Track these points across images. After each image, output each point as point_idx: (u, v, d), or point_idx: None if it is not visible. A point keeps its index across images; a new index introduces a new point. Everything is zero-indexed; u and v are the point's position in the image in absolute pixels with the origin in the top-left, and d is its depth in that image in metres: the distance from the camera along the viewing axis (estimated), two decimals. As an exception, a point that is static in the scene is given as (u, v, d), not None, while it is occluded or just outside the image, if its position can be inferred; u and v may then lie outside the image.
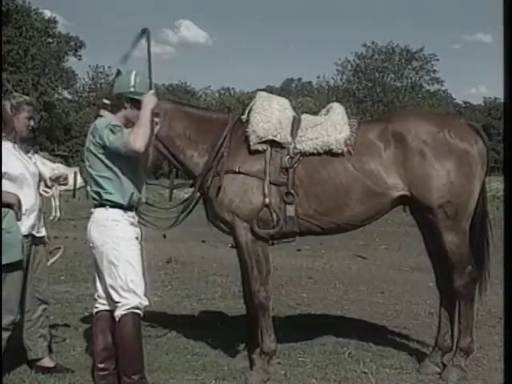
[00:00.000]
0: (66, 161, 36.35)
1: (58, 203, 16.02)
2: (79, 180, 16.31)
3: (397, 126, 3.88)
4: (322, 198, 3.85)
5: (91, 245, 3.53)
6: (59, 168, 16.81)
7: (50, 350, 4.15)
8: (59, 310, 5.69)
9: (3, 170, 3.60)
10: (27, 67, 43.84)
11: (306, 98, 52.40)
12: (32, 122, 3.88)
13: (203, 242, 10.64)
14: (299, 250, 9.80)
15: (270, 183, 3.82)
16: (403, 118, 4.08)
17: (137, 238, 3.55)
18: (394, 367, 4.14)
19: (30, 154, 3.99)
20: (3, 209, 3.52)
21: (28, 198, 3.72)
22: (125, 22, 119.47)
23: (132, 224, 3.54)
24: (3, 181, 3.62)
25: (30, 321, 3.90)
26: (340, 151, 3.83)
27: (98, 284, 3.60)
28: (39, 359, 3.96)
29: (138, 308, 3.42)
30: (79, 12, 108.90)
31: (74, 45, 50.19)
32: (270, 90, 43.71)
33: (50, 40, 48.61)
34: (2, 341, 3.61)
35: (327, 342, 4.69)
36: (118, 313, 3.42)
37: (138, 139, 3.28)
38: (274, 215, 3.81)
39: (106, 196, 3.47)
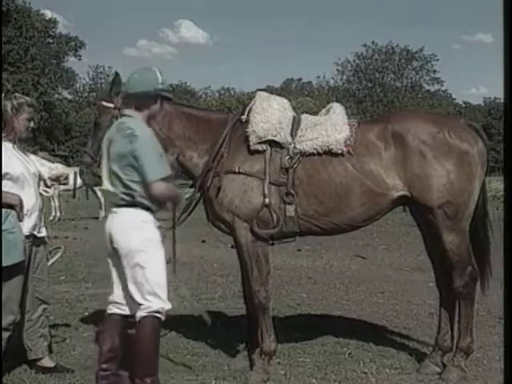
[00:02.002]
0: (66, 161, 36.34)
1: (57, 203, 16.03)
2: (79, 180, 16.32)
3: (396, 126, 3.88)
4: (322, 198, 3.85)
5: (114, 245, 3.44)
6: (58, 168, 16.82)
7: (50, 350, 4.16)
8: (59, 310, 5.70)
9: (5, 171, 3.61)
10: (27, 67, 43.86)
11: (305, 98, 52.36)
12: (32, 124, 3.88)
13: (203, 241, 10.63)
14: (299, 250, 9.80)
15: (270, 183, 3.82)
16: (403, 118, 4.08)
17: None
18: (394, 367, 4.14)
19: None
20: (5, 209, 3.52)
21: (29, 199, 3.72)
22: (125, 22, 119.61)
23: (157, 226, 3.52)
24: (5, 181, 3.62)
25: (31, 321, 3.90)
26: (340, 151, 3.83)
27: (117, 286, 3.54)
28: (39, 359, 3.96)
29: (159, 312, 3.40)
30: (79, 12, 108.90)
31: (73, 45, 50.21)
32: (270, 90, 43.68)
33: (50, 40, 48.63)
34: (2, 341, 3.62)
35: (327, 342, 4.69)
36: (139, 314, 3.39)
37: (165, 195, 3.41)
38: (274, 215, 3.81)
39: (138, 198, 3.40)
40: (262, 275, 3.87)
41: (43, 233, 3.93)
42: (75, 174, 16.18)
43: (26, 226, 3.68)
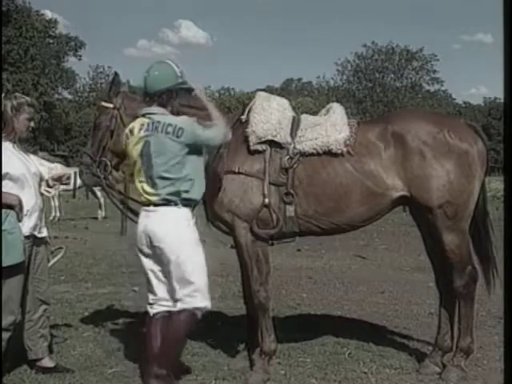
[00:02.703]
0: (66, 161, 36.36)
1: (57, 203, 16.02)
2: (79, 180, 16.32)
3: (396, 127, 3.88)
4: (322, 199, 3.85)
5: (156, 244, 3.42)
6: (57, 168, 16.80)
7: (51, 351, 4.16)
8: (59, 310, 5.70)
9: (5, 171, 3.60)
10: (27, 67, 43.86)
11: (305, 98, 52.38)
12: (32, 123, 3.87)
13: (204, 241, 10.62)
14: (299, 250, 9.80)
15: (270, 183, 3.82)
16: (403, 118, 4.07)
17: None
18: (394, 367, 4.13)
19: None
20: (4, 210, 3.52)
21: (29, 199, 3.71)
22: (125, 22, 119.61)
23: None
24: (5, 181, 3.62)
25: (31, 321, 3.90)
26: (340, 151, 3.83)
27: (157, 285, 3.53)
28: (39, 359, 3.96)
29: (199, 310, 3.44)
30: (79, 12, 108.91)
31: (73, 45, 50.23)
32: (270, 90, 43.74)
33: (50, 40, 48.63)
34: (2, 341, 3.62)
35: (327, 342, 4.69)
36: (180, 306, 3.42)
37: (226, 129, 3.57)
38: (274, 215, 3.81)
39: (184, 195, 3.43)
40: (261, 275, 3.87)
41: (44, 233, 3.92)
42: (75, 174, 16.24)
43: (26, 226, 3.68)
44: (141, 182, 3.49)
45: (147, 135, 3.45)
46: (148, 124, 3.47)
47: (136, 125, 3.54)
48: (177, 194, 3.43)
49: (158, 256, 3.47)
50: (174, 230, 3.43)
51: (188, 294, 3.42)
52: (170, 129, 3.40)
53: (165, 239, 3.41)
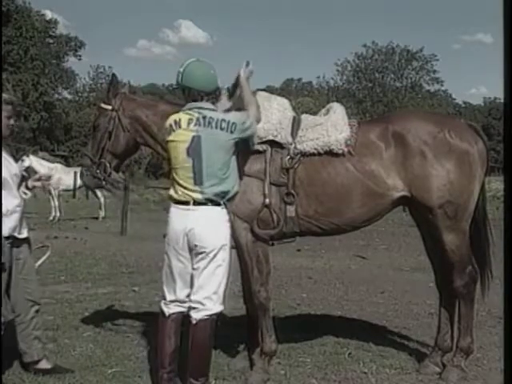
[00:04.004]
0: (66, 161, 36.36)
1: (57, 203, 16.02)
2: (79, 180, 16.32)
3: (397, 127, 3.88)
4: (323, 199, 3.85)
5: (196, 243, 3.38)
6: (57, 168, 16.83)
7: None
8: (59, 310, 5.70)
9: None
10: (27, 67, 43.82)
11: (305, 98, 52.35)
12: (12, 121, 3.79)
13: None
14: (299, 250, 9.80)
15: (271, 183, 3.81)
16: (403, 118, 4.08)
17: None
18: (394, 367, 4.14)
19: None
20: None
21: (9, 199, 3.64)
22: (125, 22, 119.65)
23: None
24: None
25: (23, 323, 3.84)
26: (340, 151, 3.83)
27: (182, 286, 3.51)
28: (36, 362, 3.92)
29: (217, 315, 3.45)
30: (79, 12, 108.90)
31: (73, 45, 50.20)
32: (270, 90, 43.59)
33: (50, 40, 48.61)
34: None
35: (327, 342, 4.69)
36: (198, 316, 3.40)
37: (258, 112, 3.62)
38: (275, 216, 3.81)
39: (227, 196, 3.44)
40: (262, 275, 3.87)
41: (25, 234, 3.81)
42: (75, 174, 16.27)
43: (6, 226, 3.59)
44: (183, 177, 3.42)
45: (198, 130, 3.40)
46: (198, 119, 3.41)
47: (182, 118, 3.46)
48: (222, 193, 3.42)
49: (195, 256, 3.42)
50: (217, 231, 3.42)
51: (207, 296, 3.40)
52: (224, 124, 3.39)
53: (208, 240, 3.38)
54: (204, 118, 3.40)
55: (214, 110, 3.49)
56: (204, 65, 3.55)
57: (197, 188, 3.40)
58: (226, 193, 3.44)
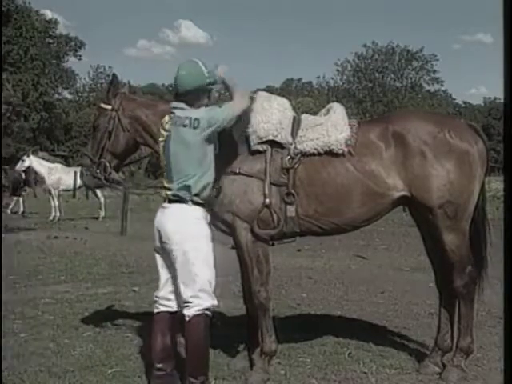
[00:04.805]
0: (66, 161, 36.36)
1: (57, 203, 16.03)
2: (79, 180, 16.31)
3: (397, 127, 3.88)
4: (323, 199, 3.85)
5: (165, 241, 3.47)
6: (57, 168, 16.84)
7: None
8: (59, 310, 5.70)
9: None
10: (27, 67, 43.81)
11: (305, 98, 52.35)
12: None
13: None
14: (299, 250, 9.80)
15: (271, 184, 3.81)
16: (403, 118, 4.08)
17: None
18: (394, 367, 4.14)
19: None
20: None
21: None
22: (125, 22, 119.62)
23: (207, 223, 3.56)
24: None
25: None
26: (341, 151, 3.83)
27: (164, 283, 3.59)
28: None
29: (209, 309, 3.44)
30: (79, 12, 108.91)
31: (73, 45, 50.20)
32: (270, 89, 43.61)
33: (50, 40, 48.59)
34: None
35: (327, 342, 4.69)
36: (190, 312, 3.42)
37: (239, 105, 3.60)
38: (275, 216, 3.81)
39: (193, 194, 3.45)
40: (262, 275, 3.87)
41: None
42: (75, 174, 16.27)
43: None
44: (163, 176, 3.54)
45: (170, 129, 3.50)
46: (172, 118, 3.53)
47: (165, 120, 3.60)
48: (187, 190, 3.45)
49: (167, 253, 3.50)
50: (180, 227, 3.44)
51: (194, 294, 3.42)
52: (186, 121, 3.43)
53: (172, 236, 3.44)
54: (174, 117, 3.51)
55: (183, 108, 3.51)
56: (189, 64, 3.57)
57: (169, 185, 3.50)
58: (191, 189, 3.44)
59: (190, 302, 3.42)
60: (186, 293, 3.43)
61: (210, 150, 3.53)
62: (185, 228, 3.44)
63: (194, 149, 3.44)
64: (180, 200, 3.47)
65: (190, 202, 3.46)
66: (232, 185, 3.82)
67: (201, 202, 3.49)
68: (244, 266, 3.97)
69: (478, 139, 3.95)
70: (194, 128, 3.42)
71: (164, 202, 3.56)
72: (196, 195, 3.47)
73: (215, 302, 3.48)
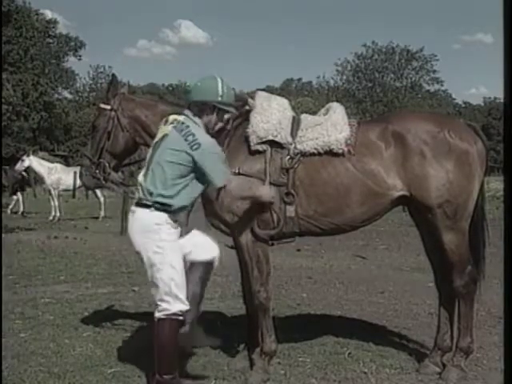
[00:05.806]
0: (66, 161, 36.33)
1: (57, 203, 16.03)
2: (79, 180, 16.29)
3: (397, 126, 3.88)
4: (323, 199, 3.85)
5: (136, 248, 3.49)
6: (57, 168, 16.84)
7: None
8: (59, 310, 5.71)
9: None
10: (27, 67, 43.75)
11: (305, 98, 52.35)
12: None
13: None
14: (299, 250, 9.80)
15: (271, 184, 3.81)
16: (403, 117, 4.08)
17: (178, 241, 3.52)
18: (394, 367, 4.14)
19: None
20: None
21: None
22: (125, 22, 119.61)
23: (175, 227, 3.49)
24: None
25: None
26: (340, 151, 3.83)
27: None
28: None
29: (177, 314, 3.42)
30: (79, 12, 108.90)
31: (73, 45, 50.19)
32: (270, 90, 43.65)
33: (50, 40, 48.58)
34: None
35: (327, 342, 4.69)
36: (158, 315, 3.43)
37: (234, 192, 3.56)
38: (275, 216, 3.81)
39: (155, 198, 3.39)
40: (262, 275, 3.87)
41: None
42: (75, 174, 16.28)
43: None
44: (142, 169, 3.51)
45: (171, 130, 3.46)
46: (179, 122, 3.48)
47: (171, 118, 3.55)
48: (149, 193, 3.41)
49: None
50: (142, 234, 3.43)
51: (160, 298, 3.43)
52: (190, 138, 3.38)
53: (136, 244, 3.47)
54: (183, 123, 3.47)
55: (195, 122, 3.48)
56: (209, 78, 3.59)
57: (141, 181, 3.50)
58: (153, 193, 3.39)
59: (158, 306, 3.43)
60: (155, 296, 3.45)
61: (191, 178, 3.43)
62: (146, 234, 3.41)
63: (183, 164, 3.38)
64: (144, 204, 3.43)
65: (152, 208, 3.41)
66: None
67: (163, 207, 3.40)
68: (244, 266, 3.97)
69: (477, 139, 3.95)
70: (191, 148, 3.37)
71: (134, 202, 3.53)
72: (159, 203, 3.38)
73: (183, 307, 3.43)
